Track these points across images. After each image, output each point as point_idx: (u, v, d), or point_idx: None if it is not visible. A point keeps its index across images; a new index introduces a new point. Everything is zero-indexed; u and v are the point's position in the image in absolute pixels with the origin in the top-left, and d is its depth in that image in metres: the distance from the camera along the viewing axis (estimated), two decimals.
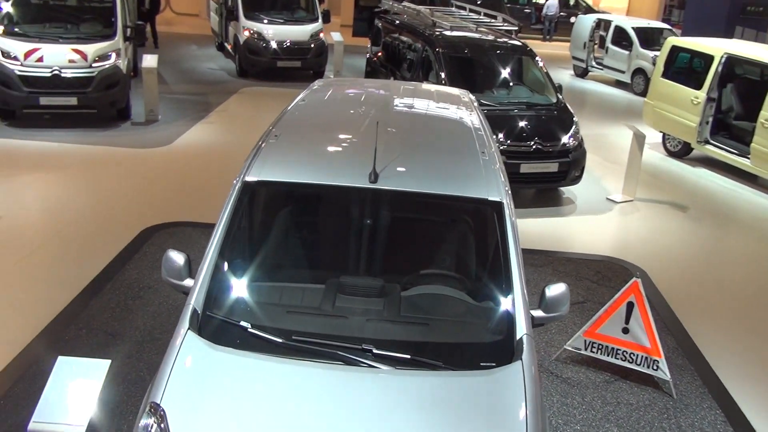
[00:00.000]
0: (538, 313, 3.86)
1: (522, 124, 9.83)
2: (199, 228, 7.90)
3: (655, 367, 5.63)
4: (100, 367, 3.33)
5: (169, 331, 3.56)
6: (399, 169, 4.13)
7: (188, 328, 3.48)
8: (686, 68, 12.97)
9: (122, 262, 7.08)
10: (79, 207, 8.64)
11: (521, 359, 3.46)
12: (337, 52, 17.26)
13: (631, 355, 5.71)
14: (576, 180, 10.07)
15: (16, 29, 11.70)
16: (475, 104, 6.07)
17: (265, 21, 16.57)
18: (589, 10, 27.07)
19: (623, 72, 18.75)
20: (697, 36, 13.74)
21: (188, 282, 3.84)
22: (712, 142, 11.92)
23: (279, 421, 3.06)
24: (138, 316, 6.09)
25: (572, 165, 9.81)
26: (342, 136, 4.62)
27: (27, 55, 11.29)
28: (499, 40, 11.48)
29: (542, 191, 10.42)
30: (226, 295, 3.77)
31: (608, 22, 19.51)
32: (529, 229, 8.96)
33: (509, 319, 3.65)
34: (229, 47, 18.08)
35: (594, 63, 19.80)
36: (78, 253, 7.37)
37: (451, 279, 4.04)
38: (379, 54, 13.78)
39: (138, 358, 5.44)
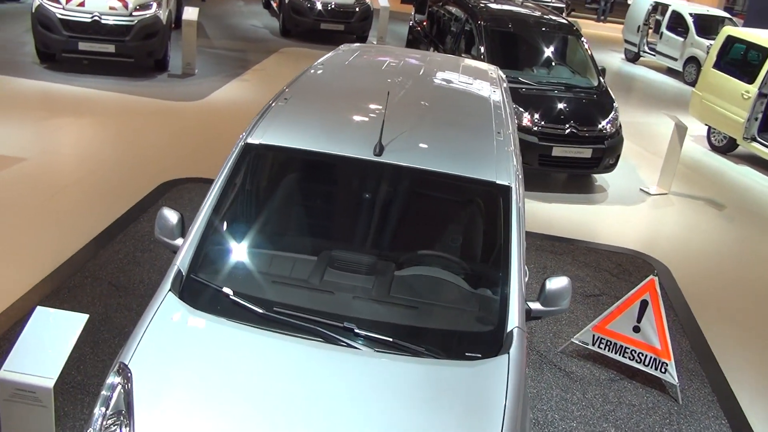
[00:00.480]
0: (536, 305, 3.70)
1: (558, 105, 9.52)
2: None
3: (663, 370, 5.43)
4: (77, 321, 3.27)
5: None
6: (407, 143, 3.97)
7: (169, 290, 3.40)
8: (740, 60, 12.41)
9: (137, 213, 7.07)
10: (104, 155, 8.66)
11: (508, 353, 3.31)
12: (382, 18, 16.99)
13: (640, 355, 5.51)
14: (610, 168, 9.76)
15: None
16: (503, 82, 5.84)
17: None
18: None
19: (676, 59, 18.12)
20: (761, 28, 13.12)
21: (179, 242, 3.75)
22: (759, 139, 11.44)
23: (244, 393, 2.97)
24: (144, 269, 6.07)
25: (607, 152, 9.49)
26: (352, 106, 4.46)
27: None
28: (544, 16, 11.11)
29: (574, 177, 10.13)
30: (213, 259, 3.68)
31: (666, 6, 18.81)
32: (555, 215, 8.73)
33: (501, 310, 3.49)
34: (274, 5, 17.93)
35: (647, 48, 19.18)
36: (96, 200, 7.38)
37: (449, 262, 3.88)
38: (424, 23, 13.50)
39: (137, 312, 5.42)
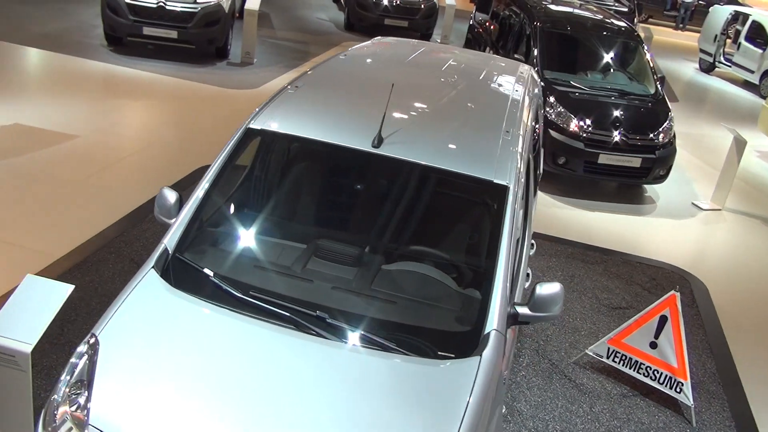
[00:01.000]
0: (524, 310, 3.59)
1: (609, 112, 9.26)
2: None
3: (678, 390, 5.20)
4: (62, 291, 3.36)
5: None
6: (407, 137, 3.92)
7: (152, 267, 3.47)
8: None
9: None
10: (152, 136, 8.91)
11: (481, 355, 3.24)
12: (447, 16, 16.89)
13: (655, 372, 5.30)
14: (660, 179, 9.43)
15: None
16: (534, 83, 5.70)
17: None
18: (732, 0, 25.17)
19: (753, 72, 17.35)
20: None
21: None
22: None
23: (203, 373, 2.99)
24: None
25: (657, 162, 9.18)
26: (360, 97, 4.43)
27: None
28: (604, 20, 10.82)
29: (624, 186, 9.83)
30: (200, 241, 3.73)
31: (746, 16, 18.03)
32: (596, 224, 8.49)
33: (481, 311, 3.41)
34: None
35: (723, 58, 18.43)
36: (135, 180, 7.60)
37: (437, 259, 3.82)
38: (486, 23, 13.34)
39: None
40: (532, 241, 4.90)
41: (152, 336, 3.14)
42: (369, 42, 6.09)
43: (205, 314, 3.27)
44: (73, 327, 4.98)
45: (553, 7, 10.96)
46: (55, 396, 2.99)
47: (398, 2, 16.17)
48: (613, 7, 12.86)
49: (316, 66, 4.98)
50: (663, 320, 5.29)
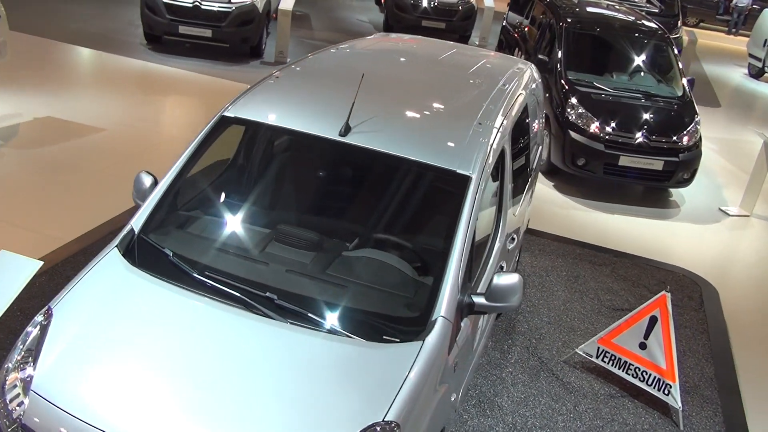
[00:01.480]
0: (480, 300, 3.60)
1: (631, 113, 9.11)
2: None
3: (666, 392, 5.11)
4: (30, 266, 3.52)
5: None
6: (376, 126, 3.97)
7: (116, 246, 3.60)
8: None
9: None
10: (177, 131, 9.16)
11: (423, 340, 3.26)
12: (486, 17, 16.84)
13: (644, 374, 5.21)
14: (684, 183, 9.23)
15: None
16: (530, 78, 5.67)
17: None
18: None
19: None
20: None
21: None
22: None
23: (147, 349, 3.10)
24: None
25: (681, 165, 8.98)
26: (336, 88, 4.48)
27: None
28: (632, 21, 10.64)
29: (650, 190, 9.64)
30: (166, 222, 3.84)
31: None
32: (613, 226, 8.37)
33: (430, 298, 3.44)
34: (382, 1, 18.17)
35: None
36: (152, 171, 7.81)
37: (397, 247, 3.86)
38: (518, 24, 13.24)
39: None
40: (514, 235, 4.87)
41: (103, 310, 3.26)
42: (372, 37, 6.16)
43: (159, 292, 3.38)
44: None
45: (580, 8, 10.83)
46: (8, 363, 3.14)
47: (436, 4, 16.19)
48: (645, 8, 12.57)
49: (304, 58, 5.07)
50: (653, 321, 5.21)
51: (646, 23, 10.66)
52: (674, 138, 8.99)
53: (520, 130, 5.08)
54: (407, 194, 3.99)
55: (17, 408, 2.98)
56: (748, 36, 23.53)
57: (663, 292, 5.21)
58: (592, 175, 9.07)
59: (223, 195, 4.22)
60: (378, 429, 2.90)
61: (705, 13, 24.73)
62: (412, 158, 3.84)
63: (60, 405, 2.91)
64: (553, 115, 9.38)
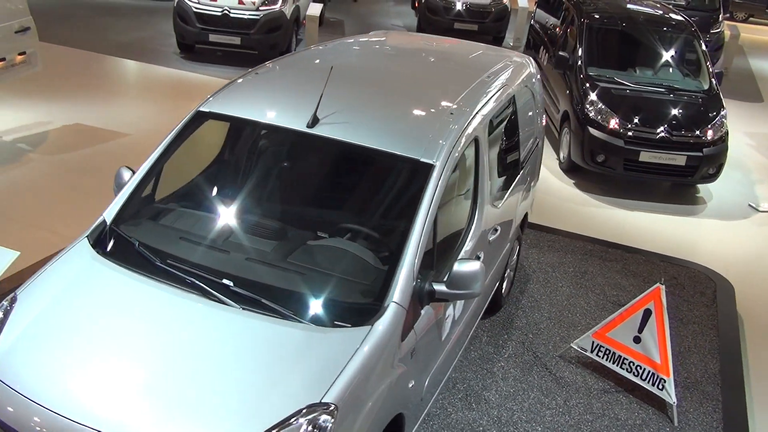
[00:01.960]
0: (441, 287, 3.61)
1: (653, 108, 8.91)
2: None
3: (660, 387, 4.99)
4: (6, 257, 3.68)
5: None
6: (345, 117, 4.02)
7: (86, 236, 3.74)
8: None
9: None
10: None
11: (371, 325, 3.29)
12: (520, 18, 16.69)
13: (638, 368, 5.10)
14: (709, 178, 8.97)
15: None
16: (522, 71, 5.62)
17: None
18: None
19: None
20: None
21: None
22: None
23: (102, 333, 3.20)
24: None
25: (704, 160, 8.73)
26: (312, 82, 4.53)
27: None
28: (656, 14, 10.42)
29: (678, 186, 9.40)
30: (137, 214, 3.96)
31: None
32: (632, 222, 8.21)
33: (384, 285, 3.46)
34: (416, 5, 18.22)
35: None
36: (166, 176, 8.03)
37: (361, 235, 3.89)
38: (545, 23, 13.10)
39: None
40: (497, 227, 4.83)
41: (64, 297, 3.39)
42: (368, 34, 6.21)
43: (122, 280, 3.49)
44: None
45: (603, 3, 10.67)
46: None
47: (468, 6, 16.14)
48: (672, 2, 12.28)
49: (291, 54, 5.16)
50: (647, 314, 5.09)
51: (671, 16, 10.43)
52: (698, 132, 8.76)
53: (505, 122, 5.05)
54: (372, 183, 4.02)
55: None
56: None
57: (657, 284, 5.08)
58: (612, 172, 8.90)
59: (197, 188, 4.33)
60: (314, 410, 2.94)
61: (755, 8, 23.98)
62: (376, 148, 3.87)
63: (11, 385, 3.03)
64: (572, 112, 9.26)
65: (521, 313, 6.00)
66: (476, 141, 4.30)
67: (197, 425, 2.89)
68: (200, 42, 12.68)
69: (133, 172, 4.17)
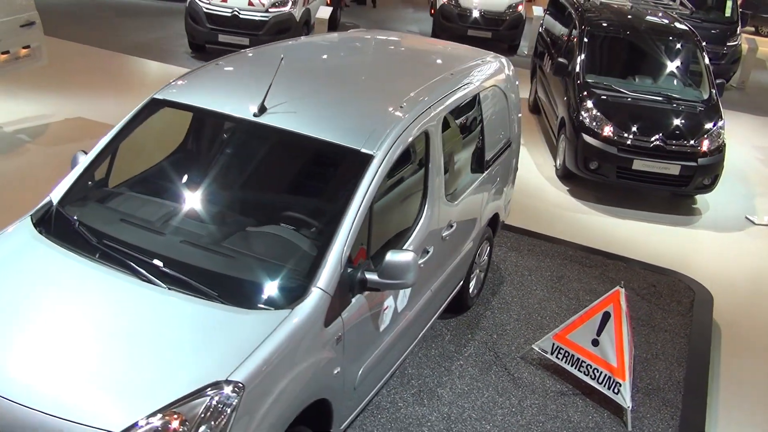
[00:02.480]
0: (373, 276, 3.63)
1: (648, 117, 8.83)
2: None
3: (616, 390, 4.94)
4: None
5: None
6: (292, 107, 4.07)
7: (30, 215, 3.83)
8: None
9: None
10: None
11: (291, 308, 3.32)
12: (535, 26, 16.57)
13: (595, 371, 5.06)
14: (705, 189, 8.85)
15: None
16: (493, 70, 5.63)
17: None
18: None
19: None
20: None
21: None
22: None
23: (27, 309, 3.28)
24: None
25: (699, 170, 8.62)
26: (268, 73, 4.60)
27: None
28: (657, 23, 10.34)
29: (676, 196, 9.29)
30: (83, 195, 4.05)
31: None
32: (621, 231, 8.14)
33: (311, 270, 3.50)
34: (432, 12, 18.26)
35: None
36: (123, 162, 8.18)
37: (296, 221, 3.94)
38: (549, 29, 13.04)
39: None
40: (453, 223, 4.83)
41: (3, 276, 3.47)
42: (349, 31, 6.28)
43: (57, 258, 3.57)
44: None
45: (603, 10, 10.62)
46: None
47: (482, 13, 16.14)
48: (676, 10, 12.15)
49: (259, 47, 5.24)
50: (606, 317, 5.06)
51: (674, 26, 10.33)
52: (693, 142, 8.66)
53: (466, 120, 5.06)
54: (313, 172, 4.06)
55: None
56: None
57: (617, 287, 5.06)
58: (605, 179, 8.83)
59: (148, 174, 4.42)
60: (220, 386, 2.98)
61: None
62: (319, 137, 3.92)
63: None
64: (568, 119, 9.21)
65: (489, 313, 5.99)
66: (426, 135, 4.32)
67: (100, 398, 2.94)
68: (210, 42, 12.86)
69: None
